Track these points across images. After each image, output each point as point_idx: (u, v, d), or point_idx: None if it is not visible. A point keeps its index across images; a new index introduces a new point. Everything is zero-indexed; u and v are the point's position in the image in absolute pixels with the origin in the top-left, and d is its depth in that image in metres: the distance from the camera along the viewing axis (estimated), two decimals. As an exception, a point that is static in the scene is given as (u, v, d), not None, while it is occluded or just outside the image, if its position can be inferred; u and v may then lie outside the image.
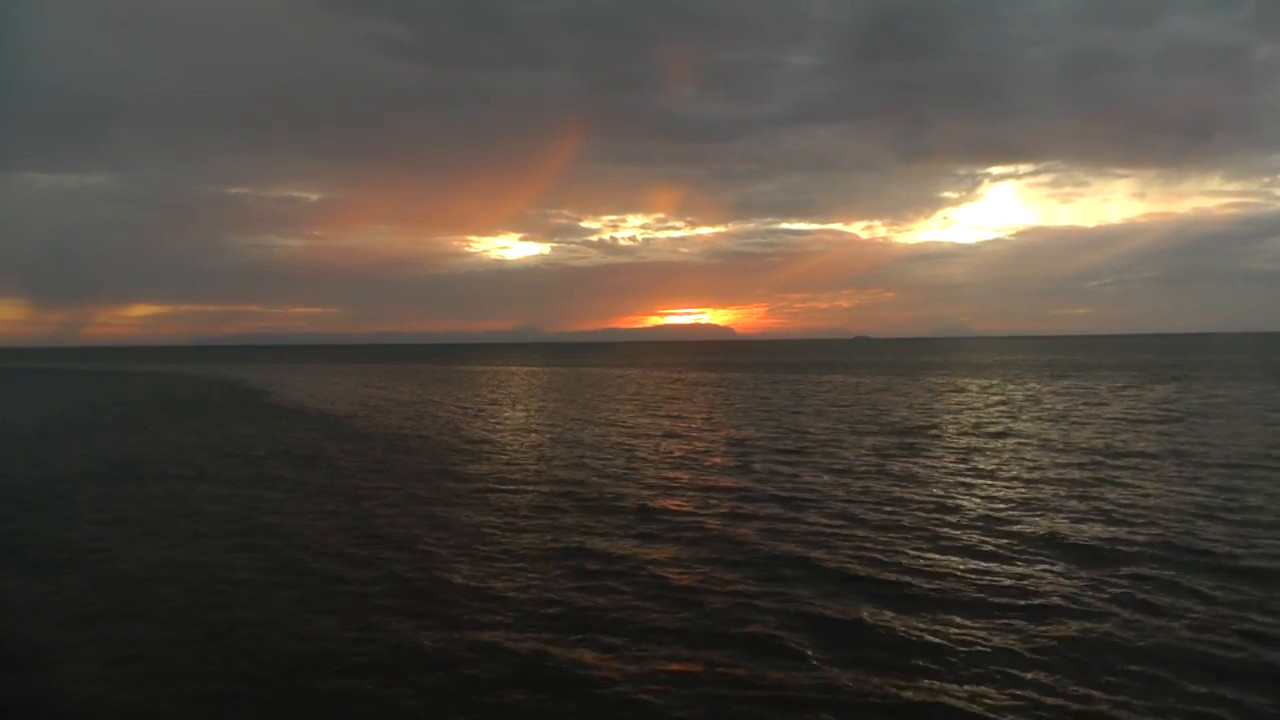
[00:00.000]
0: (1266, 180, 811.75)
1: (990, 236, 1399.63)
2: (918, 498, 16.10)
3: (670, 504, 16.00)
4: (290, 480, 19.28)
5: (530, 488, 17.90)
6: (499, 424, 32.02)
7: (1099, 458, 20.73)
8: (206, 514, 15.73)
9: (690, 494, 17.05)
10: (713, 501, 16.16)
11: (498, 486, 18.09)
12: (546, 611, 10.00)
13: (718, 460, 21.64)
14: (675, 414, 35.31)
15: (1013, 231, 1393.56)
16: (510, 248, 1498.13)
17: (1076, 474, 18.47)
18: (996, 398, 41.53)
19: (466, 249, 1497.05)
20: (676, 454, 22.95)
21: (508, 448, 24.73)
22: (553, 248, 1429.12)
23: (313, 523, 14.85)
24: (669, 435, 27.41)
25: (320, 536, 13.80)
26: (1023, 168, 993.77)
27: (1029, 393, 44.57)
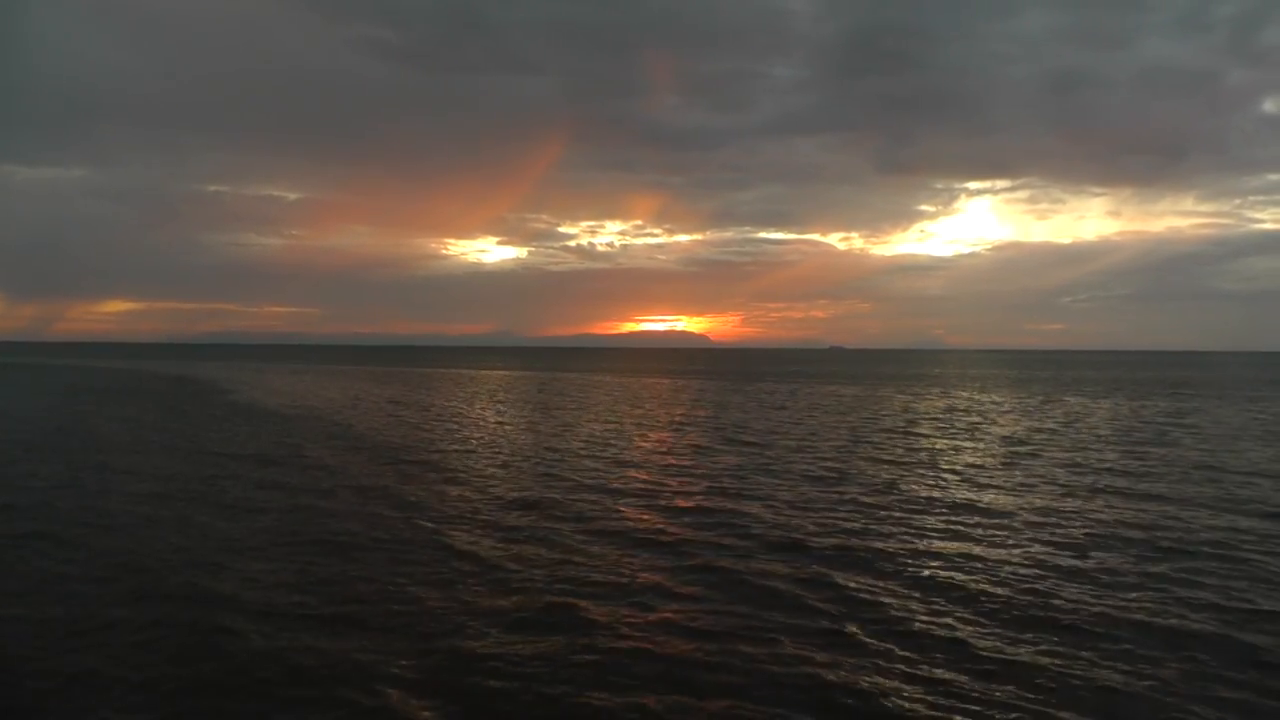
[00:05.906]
0: (1238, 202, 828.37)
1: (966, 250, 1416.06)
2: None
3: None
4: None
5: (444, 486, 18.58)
6: (445, 425, 32.47)
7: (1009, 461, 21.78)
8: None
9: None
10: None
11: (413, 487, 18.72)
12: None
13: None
14: (600, 418, 35.95)
15: (989, 246, 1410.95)
16: (488, 251, 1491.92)
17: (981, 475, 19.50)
18: (956, 406, 42.56)
19: (444, 251, 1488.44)
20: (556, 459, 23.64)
21: (443, 449, 25.29)
22: (530, 252, 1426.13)
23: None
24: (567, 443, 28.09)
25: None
26: (1000, 183, 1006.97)
27: (987, 406, 45.69)
